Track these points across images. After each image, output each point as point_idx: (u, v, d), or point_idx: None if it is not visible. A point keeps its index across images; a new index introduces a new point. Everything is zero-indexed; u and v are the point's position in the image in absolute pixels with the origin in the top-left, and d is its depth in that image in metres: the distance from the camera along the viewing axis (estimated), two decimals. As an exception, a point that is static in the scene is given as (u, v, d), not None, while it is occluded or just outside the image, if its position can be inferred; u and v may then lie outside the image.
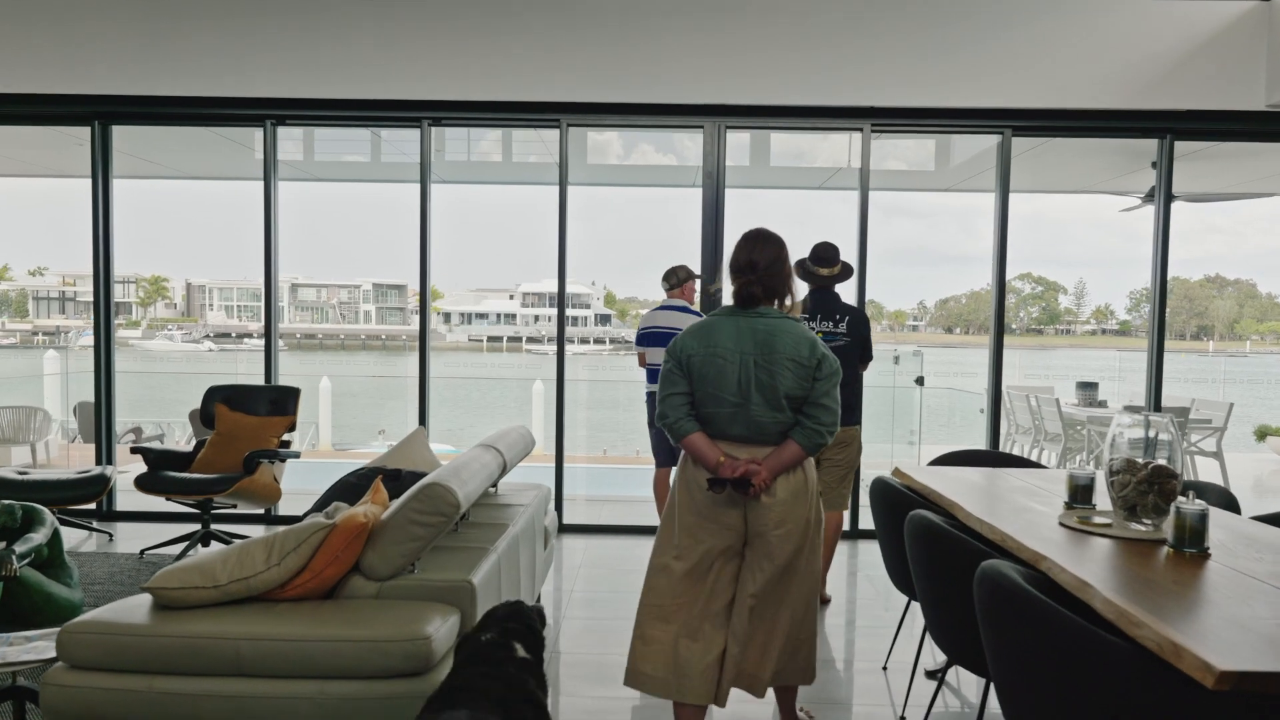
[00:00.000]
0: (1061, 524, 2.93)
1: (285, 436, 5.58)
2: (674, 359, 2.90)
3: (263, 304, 6.20)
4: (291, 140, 7.35)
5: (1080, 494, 3.22)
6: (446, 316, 38.24)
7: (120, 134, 6.22)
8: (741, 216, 6.58)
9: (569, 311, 6.36)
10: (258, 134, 6.24)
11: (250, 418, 5.54)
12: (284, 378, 6.22)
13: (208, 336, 30.89)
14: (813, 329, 4.37)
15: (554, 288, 6.28)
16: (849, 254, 5.23)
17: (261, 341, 6.29)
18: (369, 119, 6.03)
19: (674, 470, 3.14)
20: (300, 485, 6.23)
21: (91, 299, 6.16)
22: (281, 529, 2.88)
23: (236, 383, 5.71)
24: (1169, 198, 6.27)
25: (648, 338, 5.75)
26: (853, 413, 4.68)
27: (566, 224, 6.11)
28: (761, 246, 2.89)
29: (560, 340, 6.27)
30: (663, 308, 5.77)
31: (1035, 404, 9.01)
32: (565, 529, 6.27)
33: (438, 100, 5.89)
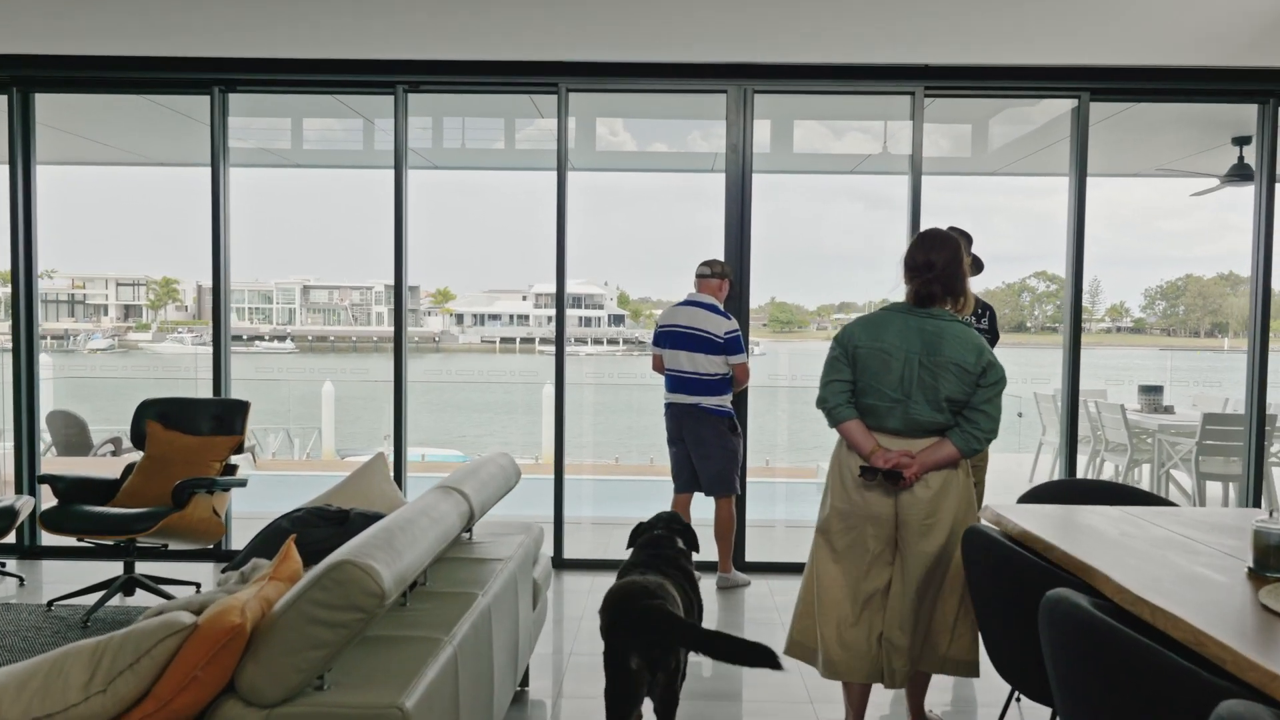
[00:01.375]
0: (1264, 606, 2.02)
1: (232, 459, 4.60)
2: (840, 346, 2.95)
3: (211, 298, 5.20)
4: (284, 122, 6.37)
5: (1275, 557, 2.26)
6: (459, 318, 37.28)
7: (74, 113, 5.28)
8: (767, 201, 5.57)
9: (581, 312, 5.38)
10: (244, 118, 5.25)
11: (189, 437, 4.55)
12: (294, 381, 5.27)
13: (218, 339, 30.06)
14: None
15: (567, 288, 5.27)
16: (953, 218, 4.29)
17: (273, 343, 5.32)
18: (333, 84, 5.03)
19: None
20: (292, 503, 5.22)
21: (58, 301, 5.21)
22: (119, 633, 1.88)
23: (175, 395, 4.73)
24: (1273, 174, 5.21)
25: (667, 337, 4.75)
26: None
27: (566, 208, 5.11)
28: (938, 247, 2.88)
29: (559, 342, 5.26)
30: (688, 303, 4.77)
31: (1095, 410, 7.96)
32: (565, 564, 5.25)
33: (413, 60, 4.90)
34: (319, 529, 3.28)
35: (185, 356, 29.25)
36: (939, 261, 2.86)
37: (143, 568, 4.53)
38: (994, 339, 4.21)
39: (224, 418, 4.62)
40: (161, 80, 5.02)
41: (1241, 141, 6.57)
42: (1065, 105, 5.74)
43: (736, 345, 4.71)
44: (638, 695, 2.57)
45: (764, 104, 5.15)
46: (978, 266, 4.19)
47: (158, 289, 33.48)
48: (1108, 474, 7.95)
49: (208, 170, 5.11)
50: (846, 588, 2.96)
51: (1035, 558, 2.60)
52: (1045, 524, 2.88)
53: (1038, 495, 3.41)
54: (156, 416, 4.59)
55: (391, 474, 3.69)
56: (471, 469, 3.08)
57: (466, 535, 3.35)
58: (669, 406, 4.81)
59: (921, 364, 2.81)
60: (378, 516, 3.18)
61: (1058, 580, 2.44)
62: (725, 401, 4.76)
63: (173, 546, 4.44)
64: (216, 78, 4.96)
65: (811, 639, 3.03)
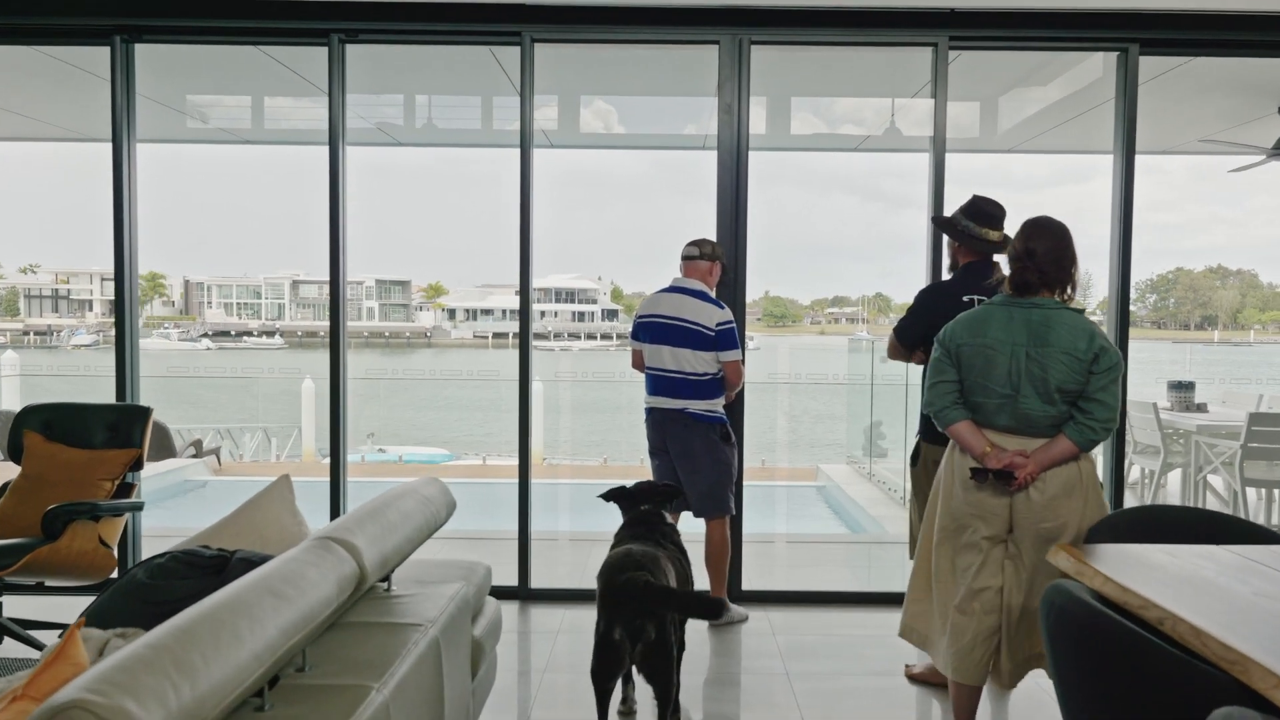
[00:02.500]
0: None
1: (129, 478, 3.81)
2: (943, 347, 2.86)
3: (113, 285, 4.38)
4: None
5: None
6: (451, 313, 36.44)
7: None
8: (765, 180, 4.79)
9: (574, 307, 4.57)
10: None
11: (76, 451, 3.75)
12: (274, 377, 4.45)
13: (206, 335, 29.17)
14: None
15: (559, 282, 4.50)
16: (917, 228, 4.02)
17: (261, 339, 4.50)
18: (255, 33, 4.22)
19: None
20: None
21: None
22: None
23: (64, 400, 3.92)
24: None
25: (648, 329, 3.97)
26: None
27: (531, 184, 4.32)
28: (1039, 235, 2.77)
29: (524, 334, 4.46)
30: (674, 290, 3.98)
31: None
32: (533, 595, 4.46)
33: (351, 2, 4.09)
34: (187, 580, 2.49)
35: (172, 352, 28.48)
36: (1039, 249, 2.73)
37: (15, 607, 3.73)
38: None
39: (120, 427, 3.82)
40: (44, 30, 4.20)
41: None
42: (1088, 76, 5.00)
43: (730, 339, 3.93)
44: (617, 668, 2.60)
45: (759, 81, 4.36)
46: (1007, 245, 3.45)
47: (143, 284, 32.61)
48: (1133, 479, 7.19)
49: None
50: (958, 586, 2.87)
51: (1155, 638, 1.82)
52: (1152, 580, 2.10)
53: (1115, 530, 2.63)
54: (39, 426, 3.79)
55: (293, 497, 2.90)
56: (376, 508, 2.28)
57: (384, 586, 2.56)
58: (650, 412, 4.03)
59: (1029, 355, 2.68)
60: (266, 559, 2.41)
61: (1197, 677, 1.67)
62: (717, 405, 3.98)
63: (52, 583, 3.63)
64: (119, 24, 4.15)
65: (924, 624, 3.03)
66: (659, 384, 3.97)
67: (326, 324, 4.46)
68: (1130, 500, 5.61)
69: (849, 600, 4.45)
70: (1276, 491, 6.36)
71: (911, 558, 3.52)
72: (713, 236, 4.27)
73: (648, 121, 7.36)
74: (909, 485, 3.65)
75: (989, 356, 2.72)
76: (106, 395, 4.39)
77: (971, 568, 2.84)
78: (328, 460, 4.52)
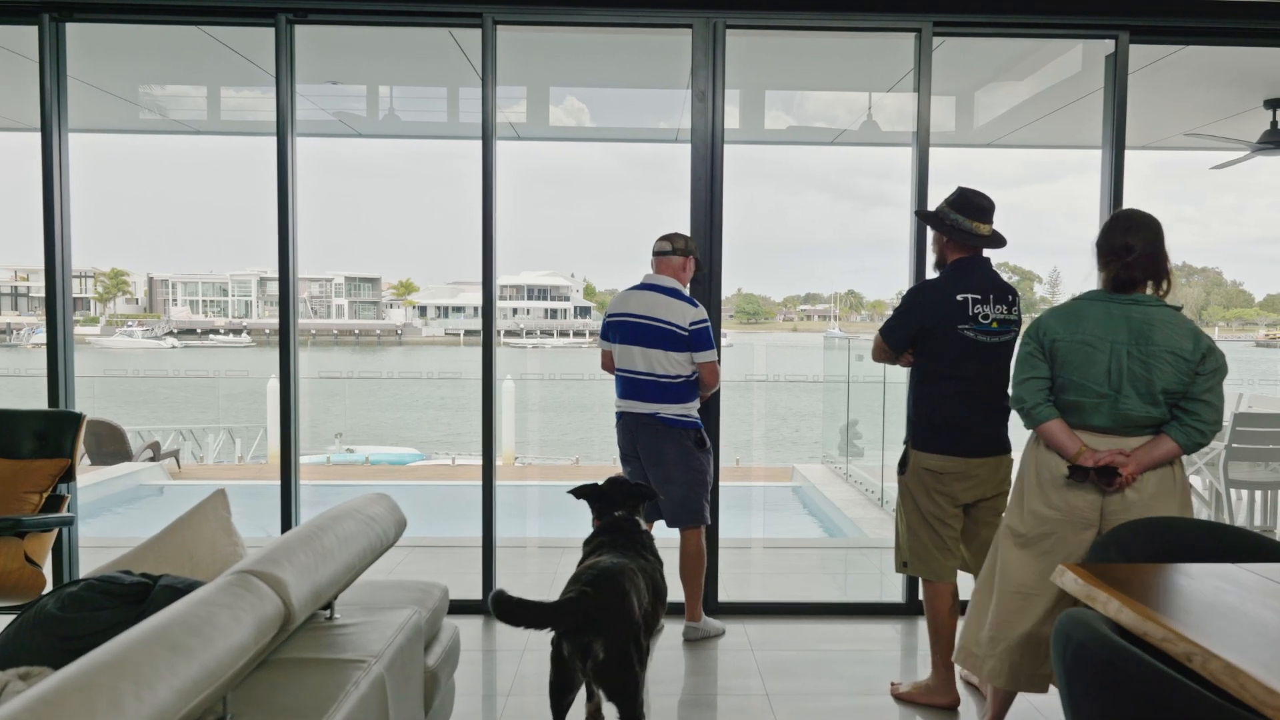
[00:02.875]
0: None
1: (60, 489, 3.51)
2: (1035, 341, 2.72)
3: (44, 283, 4.07)
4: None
5: None
6: (422, 310, 35.99)
7: None
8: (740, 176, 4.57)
9: (547, 304, 4.34)
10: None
11: (0, 461, 3.46)
12: (241, 375, 4.18)
13: (170, 333, 28.52)
14: (979, 314, 3.10)
15: (532, 279, 4.26)
16: (901, 222, 3.89)
17: (229, 337, 4.21)
18: (199, 11, 3.92)
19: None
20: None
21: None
22: None
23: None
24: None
25: (618, 329, 3.73)
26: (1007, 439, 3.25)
27: (494, 173, 4.06)
28: (1137, 228, 2.65)
29: (487, 334, 4.21)
30: (645, 287, 3.74)
31: None
32: (499, 608, 4.20)
33: (299, -19, 3.82)
34: (104, 611, 2.22)
35: (135, 350, 27.83)
36: (1138, 244, 2.61)
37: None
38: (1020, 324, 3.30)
39: (49, 435, 3.52)
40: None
41: (1275, 104, 5.68)
42: (1069, 69, 4.84)
43: (705, 339, 3.70)
44: (569, 686, 2.50)
45: (732, 74, 4.13)
46: (999, 239, 3.25)
47: (106, 281, 31.80)
48: None
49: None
50: (1038, 593, 2.70)
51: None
52: (1172, 607, 1.90)
53: (1122, 545, 2.43)
54: (-40, 434, 3.49)
55: (229, 515, 2.63)
56: (311, 532, 2.02)
57: (325, 614, 2.31)
58: (620, 416, 3.79)
59: (1130, 354, 2.58)
60: (193, 585, 2.15)
61: (1157, 663, 1.48)
62: (691, 410, 3.75)
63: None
64: (47, 1, 3.84)
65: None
66: (629, 387, 3.73)
67: (299, 322, 4.19)
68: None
69: (828, 611, 4.23)
70: (1259, 494, 6.24)
71: (899, 570, 3.31)
72: (687, 231, 4.04)
73: (620, 115, 7.14)
74: (895, 494, 3.44)
75: (1087, 354, 2.60)
76: (81, 397, 4.11)
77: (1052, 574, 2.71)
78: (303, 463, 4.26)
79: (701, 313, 3.70)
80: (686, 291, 3.77)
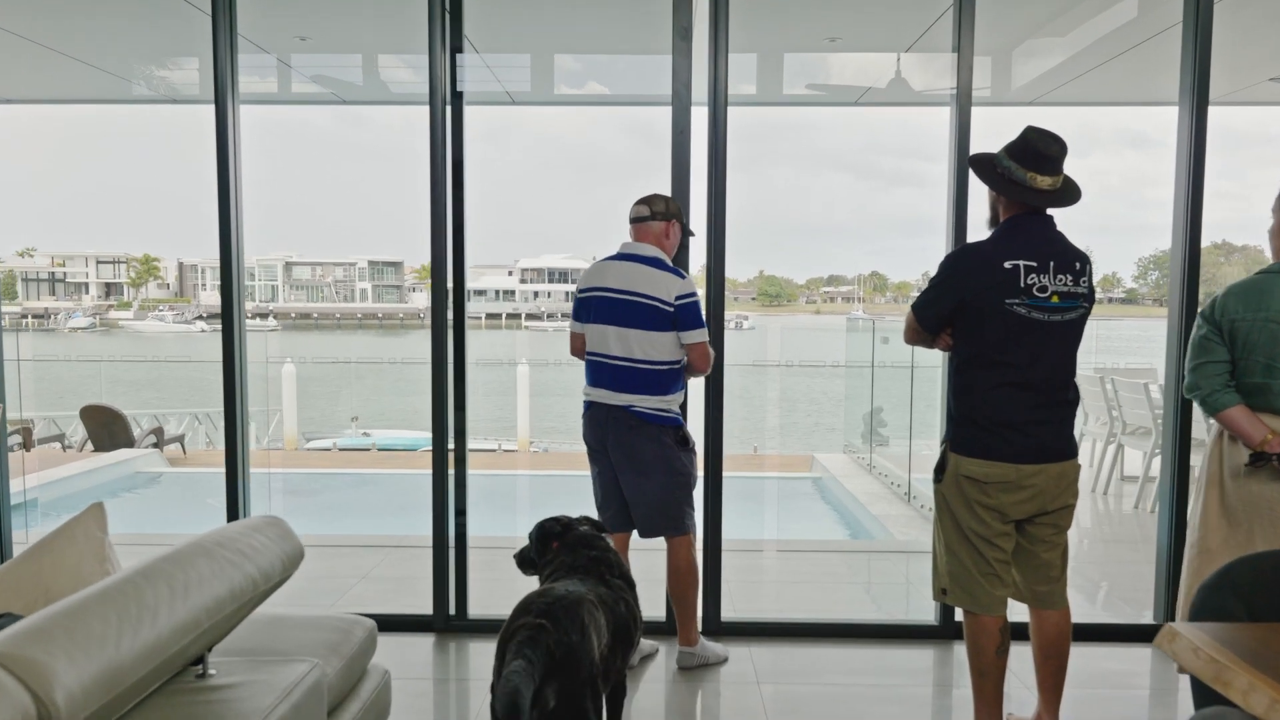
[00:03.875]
0: None
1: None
2: (1210, 323, 2.57)
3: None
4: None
5: None
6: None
7: None
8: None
9: (566, 288, 3.78)
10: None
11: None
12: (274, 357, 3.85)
13: (200, 317, 28.29)
14: (1033, 286, 2.43)
15: (553, 262, 3.71)
16: (926, 201, 3.52)
17: (255, 320, 3.80)
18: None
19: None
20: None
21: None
22: None
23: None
24: None
25: (590, 306, 3.14)
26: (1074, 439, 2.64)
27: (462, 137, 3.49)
28: None
29: (460, 318, 3.65)
30: (622, 257, 3.15)
31: (1112, 389, 6.43)
32: (459, 627, 3.64)
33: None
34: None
35: (167, 335, 27.60)
36: None
37: None
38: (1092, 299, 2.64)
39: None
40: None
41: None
42: (1123, 16, 4.18)
43: (694, 315, 3.08)
44: None
45: (743, 35, 3.53)
46: (1073, 193, 2.60)
47: (138, 266, 31.52)
48: (1132, 462, 6.39)
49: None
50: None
51: None
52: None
53: (1239, 590, 1.81)
54: None
55: (106, 537, 2.09)
56: (126, 584, 1.45)
57: (197, 670, 1.75)
58: (588, 406, 3.18)
59: None
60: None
61: None
62: (672, 403, 3.13)
63: None
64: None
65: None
66: (600, 373, 3.13)
67: (320, 306, 3.73)
68: (1131, 497, 4.60)
69: (849, 634, 3.63)
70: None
71: (937, 598, 2.71)
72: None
73: (630, 83, 6.59)
74: (922, 488, 2.83)
75: (1274, 332, 2.46)
76: (105, 381, 3.64)
77: None
78: (310, 447, 3.81)
79: (690, 285, 3.08)
80: (670, 261, 3.16)
